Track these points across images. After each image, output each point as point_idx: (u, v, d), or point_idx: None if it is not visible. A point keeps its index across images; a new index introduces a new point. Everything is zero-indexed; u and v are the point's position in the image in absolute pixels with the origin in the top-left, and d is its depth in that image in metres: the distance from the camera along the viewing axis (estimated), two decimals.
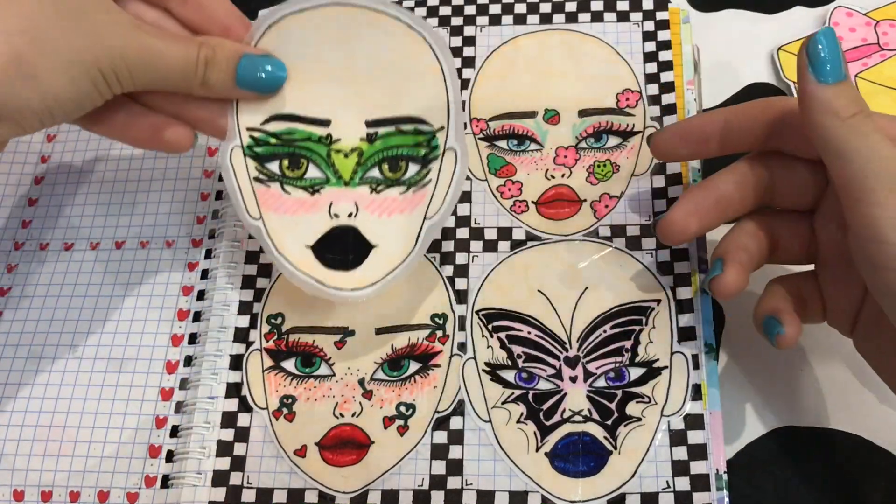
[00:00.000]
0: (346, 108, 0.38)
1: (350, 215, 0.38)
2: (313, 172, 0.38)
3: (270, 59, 0.37)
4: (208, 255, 0.43)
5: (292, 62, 0.38)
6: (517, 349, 0.39)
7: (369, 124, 0.38)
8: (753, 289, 0.42)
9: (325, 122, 0.38)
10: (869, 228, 0.30)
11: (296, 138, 0.38)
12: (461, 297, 0.41)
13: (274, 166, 0.38)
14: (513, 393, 0.38)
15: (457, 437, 0.38)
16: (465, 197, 0.43)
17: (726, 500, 0.35)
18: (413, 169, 0.38)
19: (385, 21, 0.38)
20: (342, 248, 0.37)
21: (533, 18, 0.48)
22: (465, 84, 0.46)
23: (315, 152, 0.38)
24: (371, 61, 0.38)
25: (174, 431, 0.39)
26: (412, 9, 0.49)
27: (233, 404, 0.39)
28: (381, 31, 0.38)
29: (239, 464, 0.38)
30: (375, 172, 0.38)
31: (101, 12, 0.33)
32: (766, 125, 0.35)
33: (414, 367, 0.39)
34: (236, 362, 0.40)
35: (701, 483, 0.36)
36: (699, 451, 0.36)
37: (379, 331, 0.40)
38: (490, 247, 0.42)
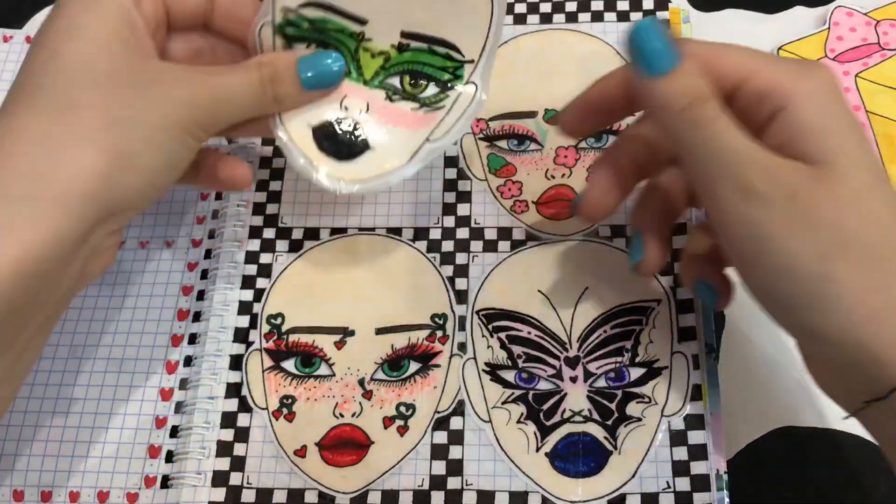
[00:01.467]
0: (386, 14, 0.38)
1: (359, 112, 0.38)
2: None
3: (325, 55, 0.37)
4: (208, 255, 0.43)
5: None
6: (517, 349, 0.39)
7: (404, 35, 0.38)
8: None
9: (361, 21, 0.37)
10: (723, 232, 0.30)
11: (329, 27, 0.37)
12: (461, 297, 0.41)
13: (301, 48, 0.37)
14: (513, 393, 0.38)
15: (457, 438, 0.38)
16: (466, 197, 0.43)
17: (726, 500, 0.35)
18: (432, 90, 0.38)
19: None
20: (341, 138, 0.38)
21: (533, 18, 0.48)
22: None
23: (344, 44, 0.38)
24: None
25: (174, 431, 0.39)
26: None
27: (233, 404, 0.39)
28: None
29: (239, 464, 0.38)
30: (395, 81, 0.38)
31: (160, 73, 0.33)
32: None
33: (414, 367, 0.39)
34: (236, 362, 0.40)
35: (701, 483, 0.36)
36: (699, 452, 0.36)
37: (379, 331, 0.40)
38: (490, 247, 0.42)
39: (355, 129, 0.38)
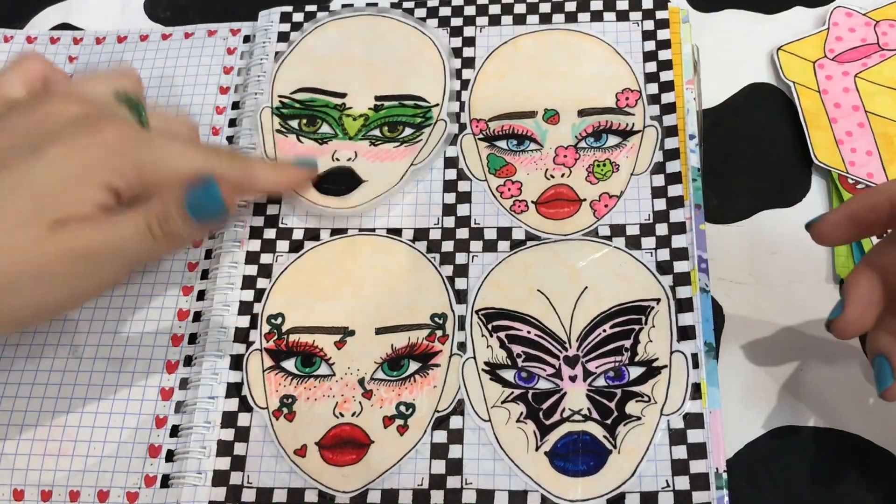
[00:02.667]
0: (360, 85, 0.47)
1: (349, 160, 0.45)
2: (325, 129, 0.46)
3: (202, 187, 0.36)
4: (208, 255, 0.43)
5: (324, 54, 0.48)
6: (517, 349, 0.39)
7: (378, 98, 0.46)
8: (752, 290, 0.42)
9: (341, 95, 0.47)
10: None
11: (316, 105, 0.46)
12: (461, 296, 0.41)
13: (294, 123, 0.46)
14: (512, 392, 0.38)
15: (456, 437, 0.38)
16: (465, 197, 0.43)
17: (726, 499, 0.35)
18: (408, 131, 0.45)
19: (403, 28, 0.48)
20: (338, 181, 0.44)
21: (532, 18, 0.48)
22: (464, 84, 0.46)
23: (329, 115, 0.46)
24: (387, 55, 0.48)
25: (174, 431, 0.39)
26: (412, 10, 0.49)
27: (233, 404, 0.39)
28: (399, 34, 0.48)
29: (239, 463, 0.38)
30: (376, 132, 0.45)
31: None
32: None
33: (414, 366, 0.39)
34: (236, 362, 0.40)
35: (700, 482, 0.36)
36: (699, 451, 0.36)
37: (379, 330, 0.40)
38: (490, 247, 0.42)
39: (348, 172, 0.44)
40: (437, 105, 0.46)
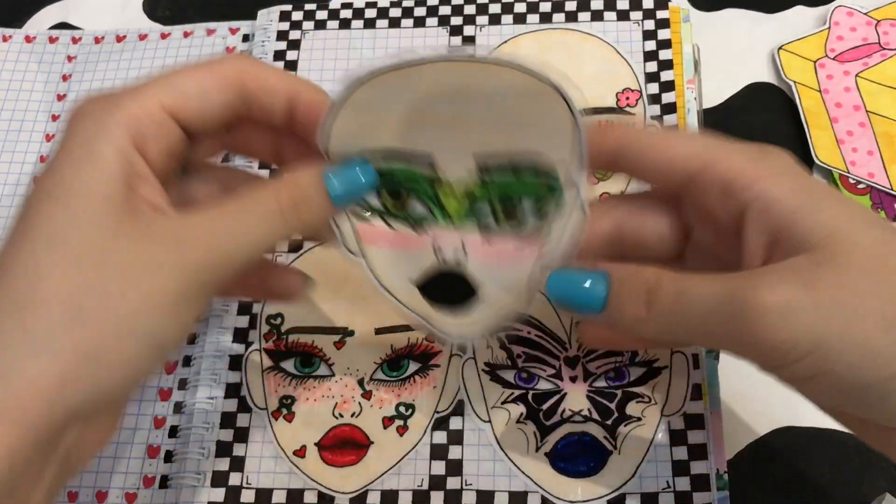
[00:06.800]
0: (454, 148, 0.32)
1: (456, 255, 0.33)
2: (416, 208, 0.33)
3: (353, 164, 0.31)
4: None
5: (400, 113, 0.31)
6: (517, 349, 0.39)
7: (480, 162, 0.32)
8: None
9: (426, 158, 0.32)
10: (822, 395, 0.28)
11: (398, 177, 0.32)
12: None
13: (375, 201, 0.33)
14: (512, 393, 0.38)
15: (456, 437, 0.38)
16: None
17: (727, 500, 0.35)
18: (531, 220, 0.32)
19: (507, 72, 0.29)
20: (448, 288, 0.33)
21: (533, 18, 0.48)
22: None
23: (423, 191, 0.33)
24: (486, 110, 0.31)
25: (173, 432, 0.39)
26: (412, 8, 0.49)
27: (232, 405, 0.39)
28: (501, 80, 0.29)
29: (238, 464, 0.38)
30: (489, 218, 0.33)
31: (151, 239, 0.27)
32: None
33: (413, 367, 0.39)
34: (236, 362, 0.40)
35: (701, 483, 0.35)
36: (699, 451, 0.36)
37: (378, 331, 0.40)
38: None
39: (459, 278, 0.33)
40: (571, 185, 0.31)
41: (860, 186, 0.43)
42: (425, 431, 0.38)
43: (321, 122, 0.30)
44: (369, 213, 0.33)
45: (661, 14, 0.47)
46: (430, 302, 0.33)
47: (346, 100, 0.29)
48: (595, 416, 0.37)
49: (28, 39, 0.52)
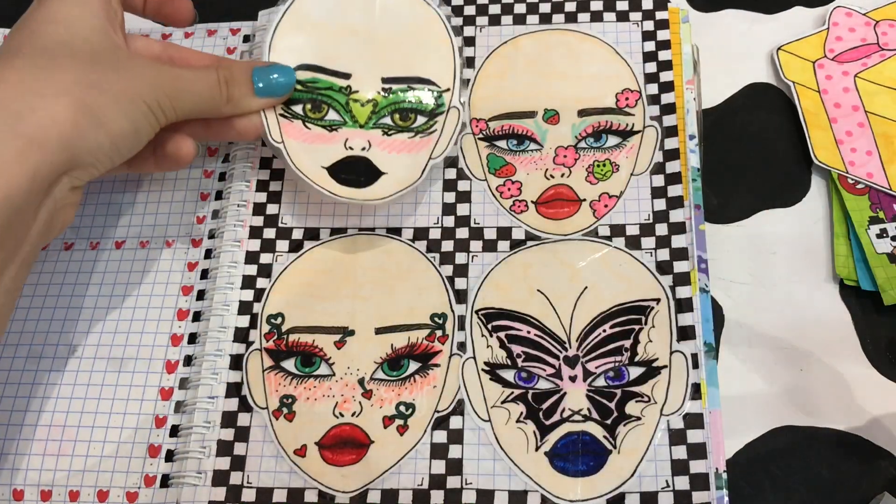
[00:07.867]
0: (365, 65, 0.44)
1: (363, 149, 0.42)
2: (332, 116, 0.43)
3: (277, 68, 0.42)
4: (208, 255, 0.43)
5: (320, 20, 0.45)
6: (517, 349, 0.39)
7: (385, 80, 0.44)
8: (752, 290, 0.42)
9: (346, 76, 0.44)
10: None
11: (319, 87, 0.43)
12: (461, 296, 0.41)
13: (298, 108, 0.43)
14: (512, 392, 0.38)
15: (456, 437, 0.38)
16: (465, 197, 0.43)
17: (726, 499, 0.35)
18: (421, 119, 0.43)
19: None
20: (355, 171, 0.42)
21: (532, 18, 0.48)
22: (464, 84, 0.46)
23: (335, 99, 0.43)
24: (391, 28, 0.45)
25: (174, 431, 0.39)
26: None
27: (233, 404, 0.39)
28: (403, 3, 0.45)
29: (239, 463, 0.38)
30: (387, 120, 0.43)
31: (131, 59, 0.37)
32: None
33: (413, 366, 0.39)
34: (236, 362, 0.40)
35: (700, 482, 0.36)
36: (699, 451, 0.36)
37: (379, 330, 0.40)
38: (490, 246, 0.42)
39: (365, 162, 0.42)
40: (449, 90, 0.44)
41: (859, 186, 0.43)
42: (425, 431, 0.38)
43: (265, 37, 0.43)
44: (292, 117, 0.43)
45: (660, 15, 0.47)
46: (339, 181, 0.42)
47: (285, 13, 0.44)
48: (594, 415, 0.37)
49: None
